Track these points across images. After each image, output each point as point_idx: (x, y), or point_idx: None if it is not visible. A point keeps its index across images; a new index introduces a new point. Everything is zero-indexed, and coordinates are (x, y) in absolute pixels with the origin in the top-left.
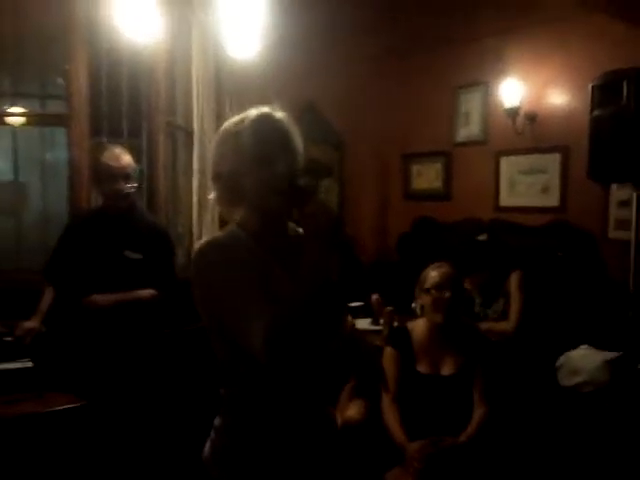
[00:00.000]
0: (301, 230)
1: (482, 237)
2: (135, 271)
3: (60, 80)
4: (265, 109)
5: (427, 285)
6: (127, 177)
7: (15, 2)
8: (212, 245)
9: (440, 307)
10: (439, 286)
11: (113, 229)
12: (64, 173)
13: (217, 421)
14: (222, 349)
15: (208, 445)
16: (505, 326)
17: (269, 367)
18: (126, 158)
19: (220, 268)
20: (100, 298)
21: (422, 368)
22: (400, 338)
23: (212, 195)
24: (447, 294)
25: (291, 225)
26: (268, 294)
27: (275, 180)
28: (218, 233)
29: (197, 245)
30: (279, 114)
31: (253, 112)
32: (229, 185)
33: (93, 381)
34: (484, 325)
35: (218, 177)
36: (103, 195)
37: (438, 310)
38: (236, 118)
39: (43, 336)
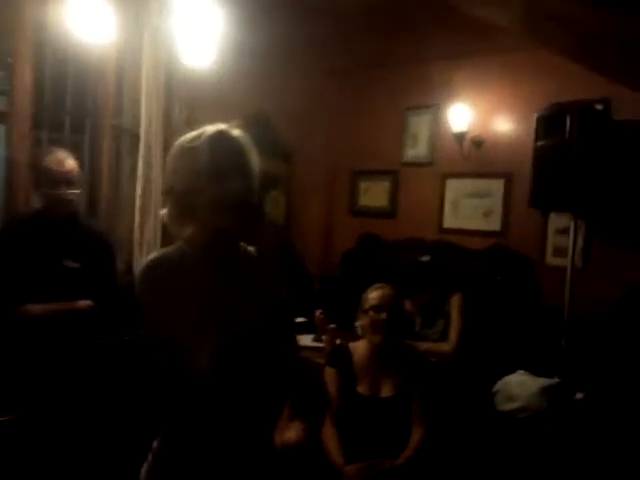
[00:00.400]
0: (251, 248)
1: (425, 258)
2: (73, 280)
3: (2, 73)
4: (222, 126)
5: (366, 306)
6: (69, 182)
7: None
8: (160, 262)
9: (378, 328)
10: (377, 307)
11: (52, 236)
12: (0, 173)
13: (155, 444)
14: (164, 366)
15: (145, 468)
16: (444, 347)
17: (213, 385)
18: (70, 163)
19: (167, 287)
20: (34, 308)
21: (362, 389)
22: (341, 358)
23: (163, 211)
24: (384, 315)
25: (242, 244)
26: (216, 314)
27: (229, 197)
28: (165, 249)
29: (145, 261)
30: (236, 131)
31: (210, 128)
32: (181, 201)
33: (23, 393)
34: (423, 345)
35: (171, 192)
36: (43, 199)
37: (376, 331)
38: (192, 134)
39: None
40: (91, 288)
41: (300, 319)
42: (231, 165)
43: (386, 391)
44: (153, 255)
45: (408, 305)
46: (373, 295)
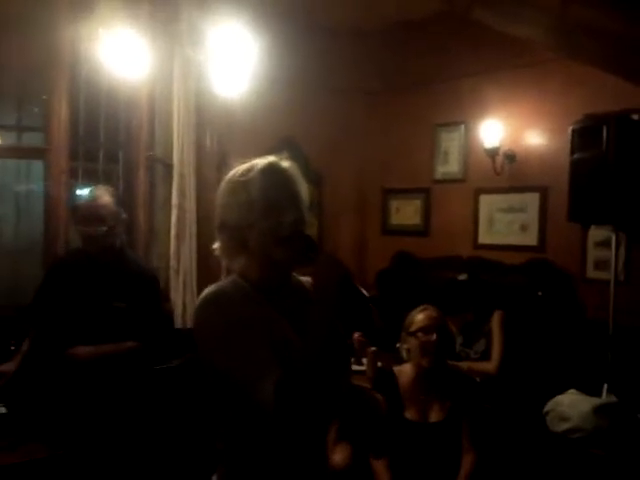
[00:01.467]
0: (304, 279)
1: (462, 277)
2: (120, 320)
3: (37, 110)
4: (272, 158)
5: (413, 328)
6: (100, 219)
7: None
8: (217, 297)
9: (427, 351)
10: (426, 329)
11: (97, 275)
12: (39, 207)
13: (215, 478)
14: (225, 401)
15: None
16: (487, 366)
17: (277, 421)
18: (103, 199)
19: (226, 322)
20: (83, 351)
21: (410, 415)
22: (387, 383)
23: (216, 245)
24: (433, 337)
25: (294, 276)
26: (276, 349)
27: (282, 230)
28: (220, 283)
29: (202, 296)
30: (285, 163)
31: (260, 162)
32: (234, 234)
33: (70, 430)
34: (465, 364)
35: (223, 226)
36: (79, 236)
37: (425, 354)
38: (242, 167)
39: (19, 381)
40: (137, 327)
41: None
42: (283, 197)
43: (435, 416)
44: (209, 290)
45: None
46: (420, 317)
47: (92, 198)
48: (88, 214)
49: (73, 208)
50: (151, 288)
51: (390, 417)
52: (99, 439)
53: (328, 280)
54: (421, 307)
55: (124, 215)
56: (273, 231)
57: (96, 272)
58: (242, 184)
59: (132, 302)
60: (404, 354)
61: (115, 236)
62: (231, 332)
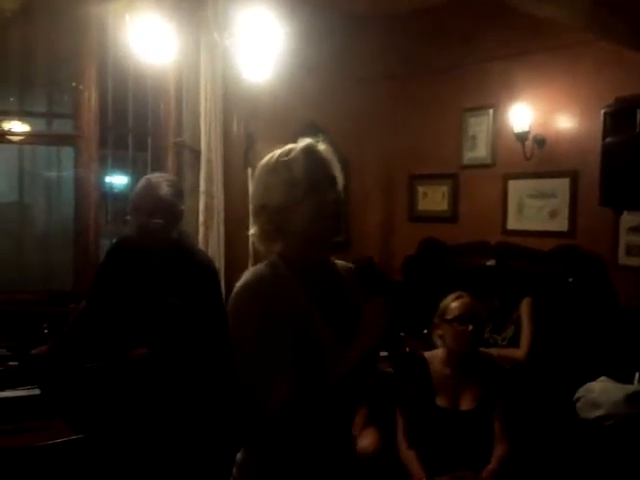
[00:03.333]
0: (339, 261)
1: (490, 262)
2: (176, 318)
3: (66, 97)
4: (309, 140)
5: (449, 316)
6: (157, 212)
7: (25, 19)
8: (253, 285)
9: (464, 340)
10: (462, 318)
11: (153, 271)
12: (69, 193)
13: (239, 456)
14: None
15: None
16: (516, 353)
17: (277, 427)
18: (161, 190)
19: (255, 318)
20: (142, 352)
21: (441, 402)
22: (418, 369)
23: (252, 230)
24: (470, 328)
25: (330, 258)
26: (305, 343)
27: (326, 208)
28: (258, 268)
29: (239, 282)
30: (321, 145)
31: (299, 144)
32: (275, 217)
33: (101, 414)
34: (494, 351)
35: (263, 209)
36: (134, 227)
37: (462, 343)
38: (280, 151)
39: (52, 363)
40: (194, 326)
41: None
42: (324, 177)
43: (466, 404)
44: (249, 276)
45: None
46: (456, 304)
47: (149, 187)
48: (144, 205)
49: (130, 197)
50: (210, 284)
51: (421, 403)
52: (125, 421)
53: (377, 326)
54: (456, 294)
55: (182, 206)
56: (318, 209)
57: (149, 266)
58: (284, 164)
59: (189, 299)
60: (436, 340)
61: (171, 229)
62: (255, 329)
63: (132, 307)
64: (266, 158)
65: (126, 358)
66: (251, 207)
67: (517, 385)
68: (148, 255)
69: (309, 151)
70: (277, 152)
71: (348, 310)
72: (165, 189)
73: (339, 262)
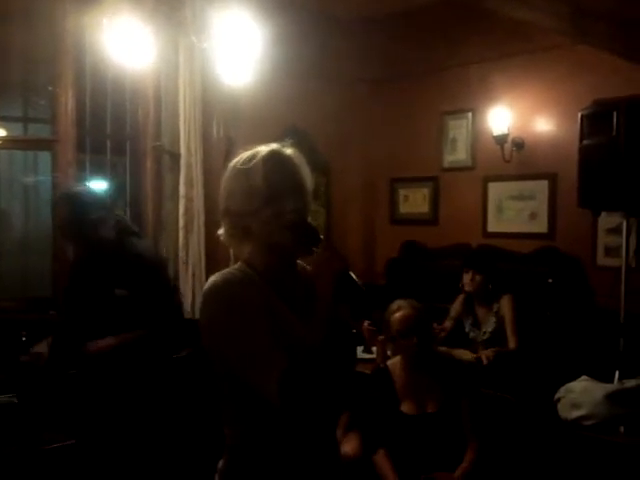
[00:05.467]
0: (308, 267)
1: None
2: (124, 308)
3: (43, 102)
4: (275, 146)
5: (392, 331)
6: (62, 232)
7: (1, 22)
8: (222, 287)
9: (413, 352)
10: (404, 333)
11: (99, 267)
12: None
13: (221, 464)
14: (230, 390)
15: None
16: (508, 346)
17: (283, 411)
18: (60, 213)
19: (231, 312)
20: (103, 344)
21: (406, 408)
22: (382, 380)
23: (220, 231)
24: (414, 340)
25: (300, 264)
26: (280, 338)
27: (285, 217)
28: (226, 271)
29: (207, 284)
30: (289, 150)
31: (263, 149)
32: (238, 221)
33: (83, 419)
34: (489, 352)
35: (227, 213)
36: None
37: (408, 357)
38: (245, 154)
39: (31, 371)
40: (142, 314)
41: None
42: (286, 185)
43: (431, 406)
44: (214, 279)
45: (468, 285)
46: (397, 317)
47: (53, 211)
48: (58, 231)
49: None
50: (153, 274)
51: (387, 413)
52: (108, 428)
53: (325, 271)
54: (396, 304)
55: (92, 216)
56: (275, 219)
57: (95, 262)
58: (244, 171)
59: (134, 289)
60: (390, 351)
61: (88, 242)
62: (235, 322)
63: (84, 302)
64: (233, 161)
65: (81, 353)
66: (219, 209)
67: (499, 383)
68: (92, 254)
69: (272, 158)
70: (243, 156)
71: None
72: (63, 208)
73: (308, 267)
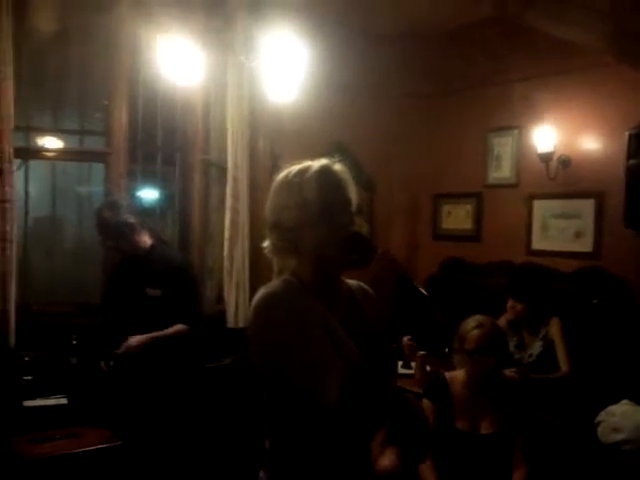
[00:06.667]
0: (352, 282)
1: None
2: (157, 306)
3: (98, 115)
4: (325, 161)
5: (469, 346)
6: (103, 235)
7: (61, 41)
8: (272, 299)
9: (487, 372)
10: (482, 350)
11: (131, 271)
12: None
13: (262, 474)
14: (277, 402)
15: None
16: (560, 372)
17: (342, 417)
18: (103, 216)
19: (288, 322)
20: (135, 340)
21: (461, 425)
22: (439, 391)
23: (266, 244)
24: (492, 360)
25: (343, 280)
26: (334, 346)
27: (337, 231)
28: (273, 284)
29: (255, 299)
30: (337, 166)
31: (315, 164)
32: (288, 235)
33: (129, 420)
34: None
35: (276, 226)
36: None
37: (484, 374)
38: (296, 168)
39: (77, 373)
40: (176, 313)
41: None
42: (337, 199)
43: (486, 427)
44: (263, 292)
45: (511, 314)
46: (476, 333)
47: (96, 215)
48: (97, 230)
49: None
50: (182, 276)
51: (441, 426)
52: (153, 432)
53: (386, 278)
54: (476, 320)
55: (131, 220)
56: (329, 232)
57: (127, 268)
58: (297, 185)
59: (165, 289)
60: (457, 364)
61: (125, 245)
62: (294, 331)
63: (117, 303)
64: (282, 174)
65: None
66: (267, 223)
67: (544, 407)
68: (125, 261)
69: (324, 173)
70: (293, 169)
71: (365, 326)
72: (107, 214)
73: (351, 282)
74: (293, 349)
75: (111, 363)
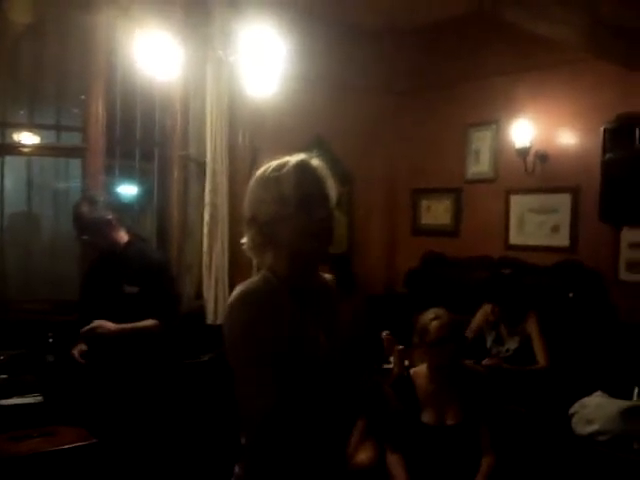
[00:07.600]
0: (327, 276)
1: (507, 271)
2: (134, 303)
3: (76, 110)
4: (303, 156)
5: (429, 339)
6: (80, 230)
7: (36, 34)
8: (246, 297)
9: (448, 359)
10: (442, 341)
11: (108, 268)
12: None
13: (237, 468)
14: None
15: None
16: (538, 365)
17: (264, 435)
18: (79, 211)
19: (254, 324)
20: (110, 326)
21: (427, 418)
22: (403, 388)
23: (244, 240)
24: (451, 347)
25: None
26: (299, 348)
27: (315, 225)
28: (252, 280)
29: (232, 295)
30: (315, 161)
31: (292, 159)
32: (265, 229)
33: (103, 417)
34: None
35: (253, 221)
36: None
37: (443, 364)
38: (274, 163)
39: (54, 370)
40: (152, 310)
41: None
42: (315, 194)
43: (451, 418)
44: (240, 289)
45: (490, 316)
46: (435, 325)
47: (73, 211)
48: (74, 226)
49: None
50: (159, 273)
51: (407, 421)
52: (129, 430)
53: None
54: (433, 313)
55: (108, 216)
56: (306, 226)
57: (104, 264)
58: (275, 179)
59: (143, 287)
60: (419, 358)
61: (101, 241)
62: (246, 341)
63: (95, 299)
64: (261, 170)
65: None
66: (244, 218)
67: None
68: (102, 258)
69: (301, 168)
70: (271, 165)
71: (336, 320)
72: (84, 209)
73: (327, 276)
74: (243, 356)
75: (84, 348)
